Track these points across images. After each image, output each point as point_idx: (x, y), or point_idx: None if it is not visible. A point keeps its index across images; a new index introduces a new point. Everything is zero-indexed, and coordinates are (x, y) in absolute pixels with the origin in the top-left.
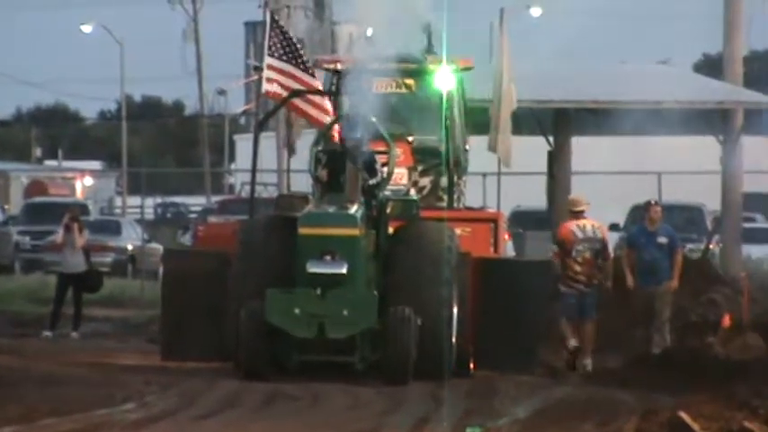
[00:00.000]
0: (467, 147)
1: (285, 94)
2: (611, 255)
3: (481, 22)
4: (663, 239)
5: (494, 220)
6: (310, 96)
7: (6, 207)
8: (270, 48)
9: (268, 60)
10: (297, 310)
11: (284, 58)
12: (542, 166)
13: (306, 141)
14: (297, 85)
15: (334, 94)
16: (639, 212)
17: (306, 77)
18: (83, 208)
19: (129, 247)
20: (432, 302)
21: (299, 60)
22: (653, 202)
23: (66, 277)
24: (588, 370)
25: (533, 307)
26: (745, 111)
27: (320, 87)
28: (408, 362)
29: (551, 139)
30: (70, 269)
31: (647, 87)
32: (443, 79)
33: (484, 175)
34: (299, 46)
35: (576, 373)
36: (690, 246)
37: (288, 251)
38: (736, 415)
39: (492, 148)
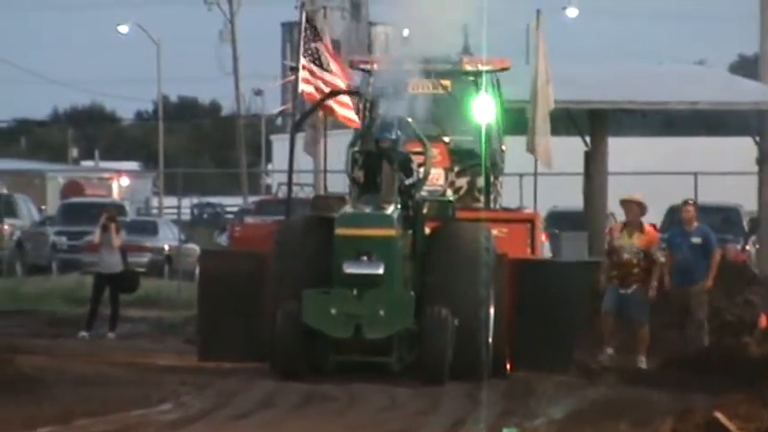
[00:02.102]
0: (503, 147)
1: (320, 95)
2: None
3: (518, 23)
4: (697, 240)
5: (530, 221)
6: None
7: (43, 207)
8: (305, 49)
9: (303, 61)
10: (333, 311)
11: (316, 62)
12: (579, 166)
13: (337, 141)
14: (327, 88)
15: (369, 94)
16: (676, 213)
17: (333, 80)
18: (119, 208)
19: (166, 248)
20: (468, 303)
21: (322, 63)
22: (689, 201)
23: (102, 278)
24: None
25: (570, 308)
26: None
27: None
28: (444, 362)
29: (588, 139)
30: (107, 269)
31: (683, 88)
32: (480, 90)
33: (520, 175)
34: (327, 45)
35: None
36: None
37: (324, 252)
38: None
39: (530, 149)
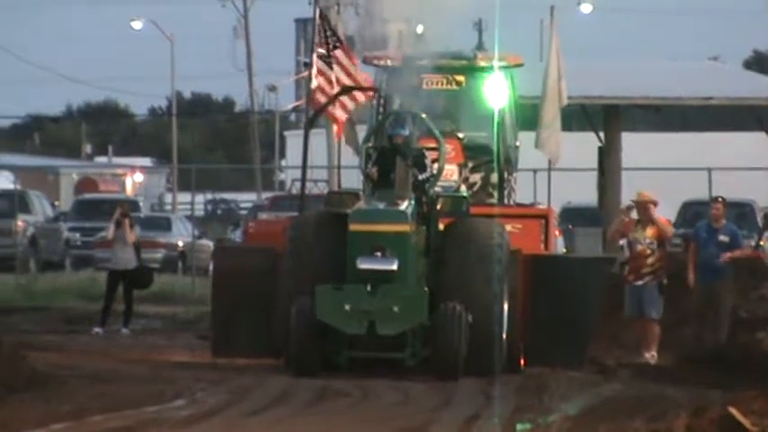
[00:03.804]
0: (517, 143)
1: (334, 90)
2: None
3: (532, 18)
4: (724, 237)
5: (544, 217)
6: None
7: (57, 203)
8: (319, 44)
9: (316, 57)
10: (347, 307)
11: (327, 62)
12: (593, 162)
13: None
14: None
15: (383, 90)
16: (691, 209)
17: (342, 76)
18: (133, 204)
19: (180, 244)
20: (482, 299)
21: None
22: (718, 198)
23: (116, 274)
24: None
25: (583, 304)
26: None
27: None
28: (458, 358)
29: (602, 134)
30: (121, 266)
31: (697, 84)
32: (494, 85)
33: (534, 171)
34: (339, 41)
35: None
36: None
37: (338, 248)
38: None
39: (538, 145)
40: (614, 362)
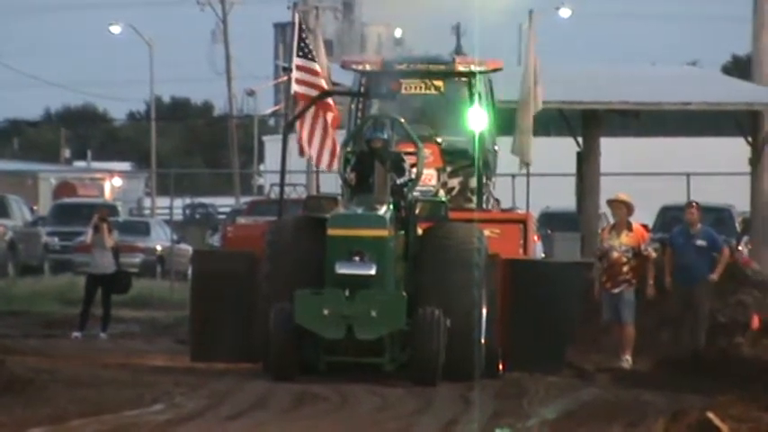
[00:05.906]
0: (496, 148)
1: (313, 94)
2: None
3: (511, 23)
4: (701, 242)
5: (523, 222)
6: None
7: (35, 208)
8: (300, 48)
9: (297, 61)
10: (325, 311)
11: (310, 56)
12: (571, 167)
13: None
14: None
15: (362, 95)
16: (669, 213)
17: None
18: (112, 209)
19: (158, 248)
20: (461, 304)
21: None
22: (692, 203)
23: (95, 278)
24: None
25: (562, 308)
26: None
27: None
28: (437, 363)
29: (580, 139)
30: (99, 270)
31: (675, 89)
32: (476, 120)
33: (513, 176)
34: (312, 49)
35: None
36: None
37: (317, 252)
38: (764, 416)
39: (514, 150)
40: (593, 366)
